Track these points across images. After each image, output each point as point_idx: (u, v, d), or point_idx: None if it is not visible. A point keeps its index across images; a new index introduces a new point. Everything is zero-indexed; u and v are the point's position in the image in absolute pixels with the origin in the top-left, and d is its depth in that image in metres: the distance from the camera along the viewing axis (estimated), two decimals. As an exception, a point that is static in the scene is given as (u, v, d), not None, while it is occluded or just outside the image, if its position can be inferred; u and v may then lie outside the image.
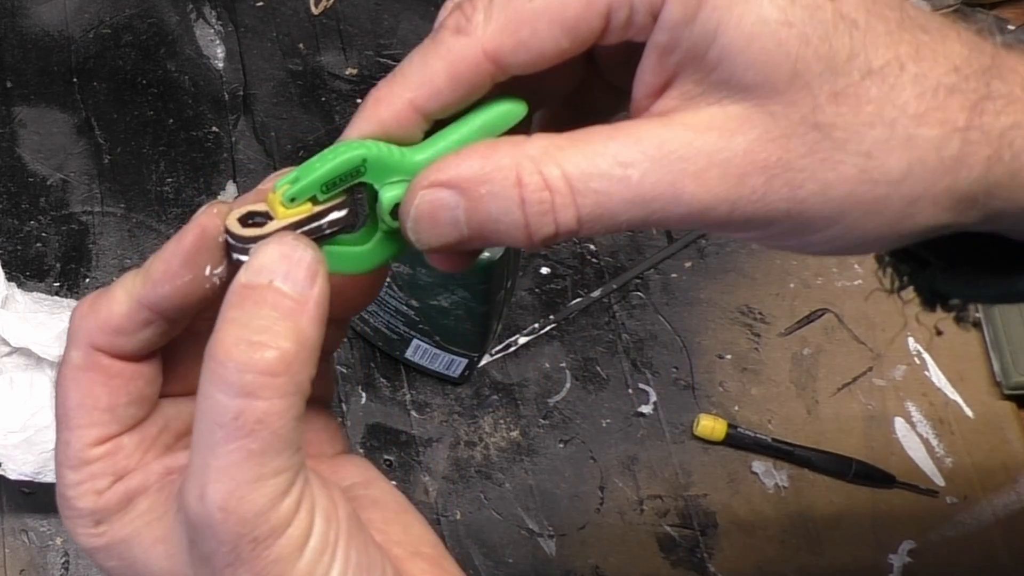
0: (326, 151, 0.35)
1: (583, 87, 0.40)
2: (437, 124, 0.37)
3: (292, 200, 0.34)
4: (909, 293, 0.43)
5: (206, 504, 0.32)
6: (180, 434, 0.39)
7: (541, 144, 0.34)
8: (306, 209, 0.35)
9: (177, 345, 0.38)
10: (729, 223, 0.33)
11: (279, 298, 0.33)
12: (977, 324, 0.40)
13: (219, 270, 0.35)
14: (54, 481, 0.72)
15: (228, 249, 0.35)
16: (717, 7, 0.32)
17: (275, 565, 0.33)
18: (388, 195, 0.35)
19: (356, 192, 0.36)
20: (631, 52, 0.35)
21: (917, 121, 0.33)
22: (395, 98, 0.35)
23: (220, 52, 0.94)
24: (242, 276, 0.33)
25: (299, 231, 0.35)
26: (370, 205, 0.37)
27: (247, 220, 0.35)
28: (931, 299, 0.42)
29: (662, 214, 0.33)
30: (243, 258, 0.34)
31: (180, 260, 0.35)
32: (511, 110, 0.36)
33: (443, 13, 0.36)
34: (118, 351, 0.36)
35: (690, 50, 0.33)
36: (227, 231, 0.35)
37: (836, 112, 0.32)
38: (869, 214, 0.33)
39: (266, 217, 0.35)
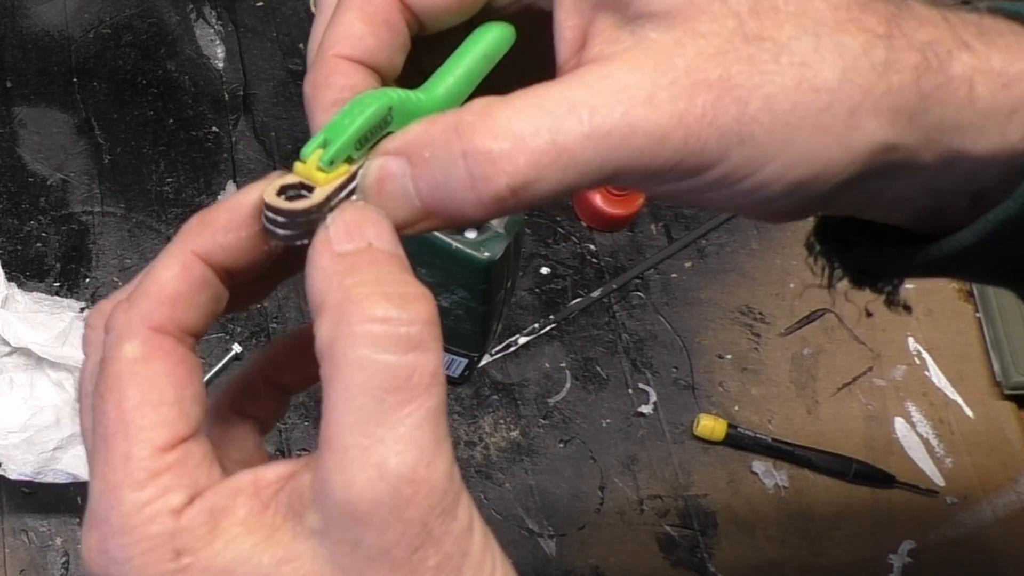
0: (346, 107, 0.34)
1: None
2: (431, 63, 0.37)
3: (331, 163, 0.33)
4: (844, 285, 0.43)
5: (391, 481, 0.29)
6: (235, 458, 0.36)
7: (482, 101, 0.33)
8: (345, 170, 0.33)
9: None
10: (686, 154, 0.32)
11: (388, 256, 0.31)
12: (908, 307, 0.40)
13: (279, 236, 0.33)
14: (54, 481, 0.73)
15: (265, 227, 0.33)
16: None
17: (460, 540, 0.30)
18: None
19: None
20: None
21: (838, 30, 0.33)
22: (327, 63, 0.35)
23: (220, 52, 0.94)
24: (332, 246, 0.31)
25: (343, 193, 0.33)
26: None
27: (281, 194, 0.33)
28: (859, 277, 0.42)
29: (621, 149, 0.32)
30: (282, 232, 0.32)
31: (248, 212, 0.33)
32: (501, 34, 0.37)
33: None
34: (179, 324, 0.33)
35: None
36: (271, 208, 0.32)
37: (760, 26, 0.33)
38: (816, 129, 0.33)
39: (302, 188, 0.33)
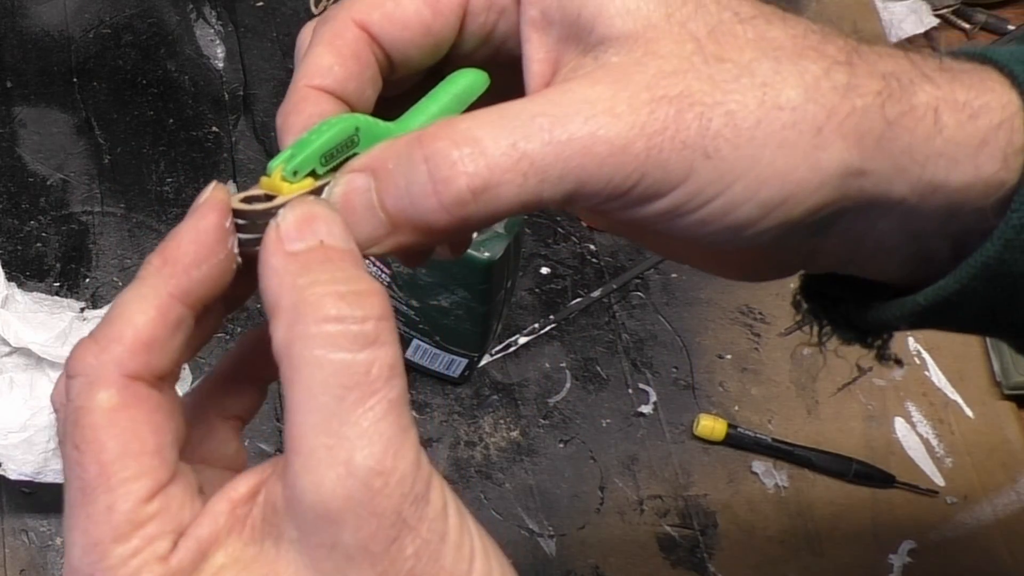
0: (314, 128, 0.35)
1: None
2: (408, 103, 0.38)
3: (295, 173, 0.33)
4: (833, 343, 0.43)
5: (361, 476, 0.29)
6: (198, 487, 0.34)
7: (445, 120, 0.34)
8: (308, 184, 0.34)
9: None
10: (650, 166, 0.32)
11: (340, 252, 0.31)
12: (899, 361, 0.41)
13: (236, 249, 0.33)
14: (54, 481, 0.73)
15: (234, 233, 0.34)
16: None
17: (435, 524, 0.30)
18: None
19: None
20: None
21: (799, 55, 0.33)
22: (299, 92, 0.36)
23: (220, 52, 0.94)
24: (282, 245, 0.31)
25: None
26: None
27: (250, 203, 0.34)
28: (847, 333, 0.42)
29: (583, 157, 0.32)
30: (243, 236, 0.33)
31: (214, 237, 0.32)
32: (475, 79, 0.38)
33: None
34: (155, 370, 0.32)
35: (564, 18, 0.34)
36: (236, 213, 0.33)
37: (720, 49, 0.33)
38: (783, 147, 0.33)
39: (267, 199, 0.33)
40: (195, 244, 0.32)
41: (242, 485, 0.32)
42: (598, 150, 0.32)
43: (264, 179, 0.34)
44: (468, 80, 0.38)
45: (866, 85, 0.33)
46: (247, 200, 0.33)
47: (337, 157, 0.34)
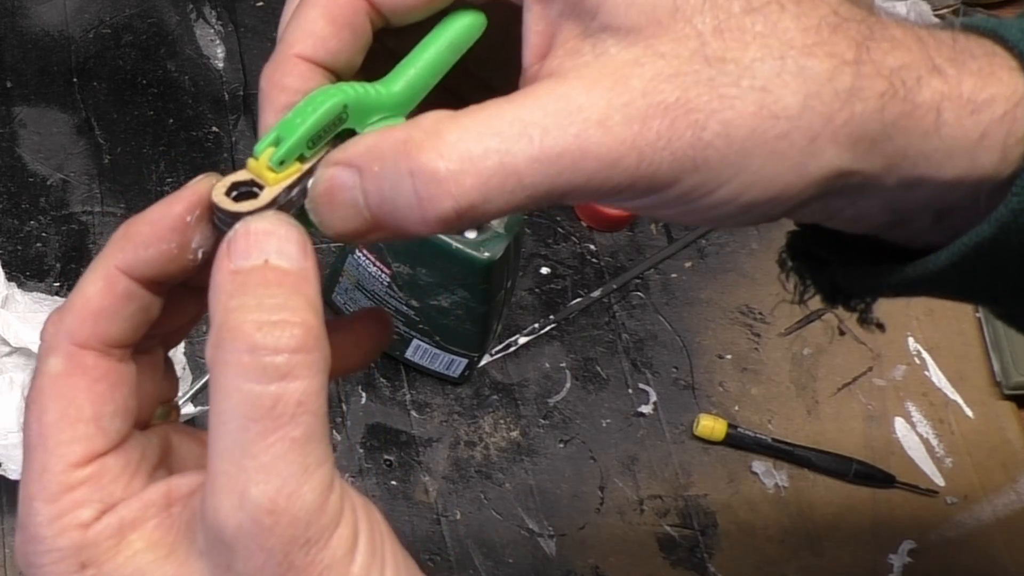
0: (300, 105, 0.33)
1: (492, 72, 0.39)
2: (401, 46, 0.36)
3: (281, 163, 0.33)
4: (815, 301, 0.42)
5: (249, 510, 0.29)
6: (156, 464, 0.35)
7: (434, 116, 0.32)
8: (296, 169, 0.33)
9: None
10: (638, 177, 0.32)
11: (282, 275, 0.31)
12: (881, 326, 0.40)
13: (206, 245, 0.33)
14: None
15: (216, 225, 0.33)
16: None
17: (329, 571, 0.30)
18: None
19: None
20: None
21: (805, 53, 0.32)
22: (286, 60, 0.34)
23: (220, 52, 0.94)
24: (230, 262, 0.31)
25: (293, 192, 0.33)
26: None
27: (232, 191, 0.33)
28: (832, 295, 0.41)
29: (572, 172, 0.31)
30: (227, 230, 0.32)
31: (169, 224, 0.33)
32: (472, 23, 0.36)
33: None
34: (103, 338, 0.33)
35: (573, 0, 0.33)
36: (215, 207, 0.32)
37: (724, 47, 0.32)
38: (773, 156, 0.32)
39: (253, 185, 0.33)
40: (150, 226, 0.33)
41: (186, 481, 0.33)
42: (588, 166, 0.31)
43: (251, 162, 0.33)
44: (463, 24, 0.36)
45: (870, 87, 0.33)
46: (237, 185, 0.33)
47: (325, 137, 0.33)
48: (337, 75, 0.36)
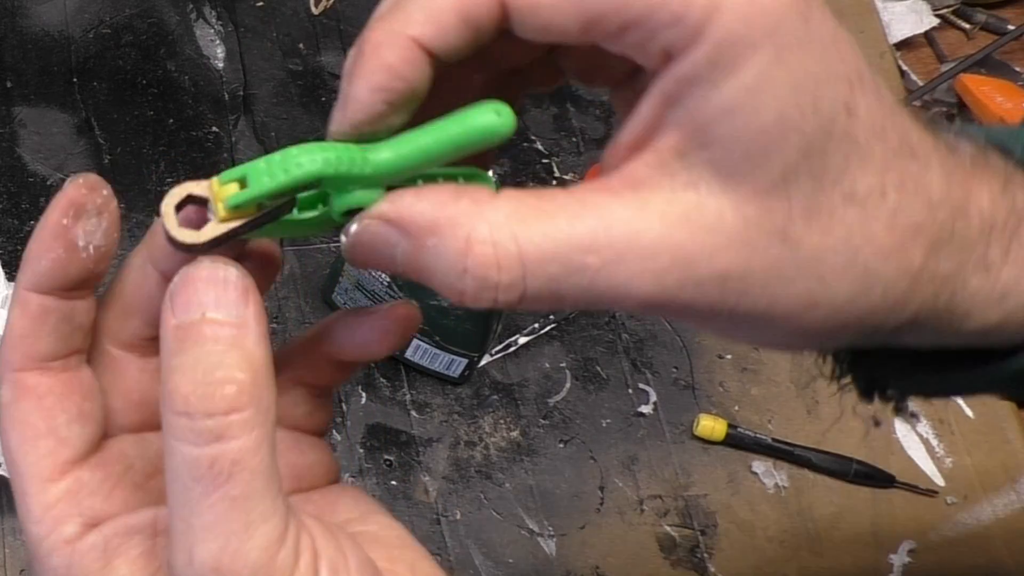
0: (278, 157, 0.31)
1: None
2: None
3: (236, 208, 0.31)
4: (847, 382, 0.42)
5: (196, 568, 0.30)
6: (149, 474, 0.36)
7: (505, 210, 0.31)
8: (249, 213, 0.32)
9: (109, 368, 0.36)
10: (666, 313, 0.32)
11: (217, 329, 0.30)
12: (915, 415, 0.41)
13: (94, 240, 0.33)
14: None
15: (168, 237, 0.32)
16: (744, 84, 0.29)
17: None
18: (341, 201, 0.32)
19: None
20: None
21: (879, 256, 0.32)
22: (398, 37, 0.31)
23: (220, 52, 0.94)
24: (172, 316, 0.31)
25: (237, 234, 0.32)
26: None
27: (183, 204, 0.32)
28: (868, 388, 0.41)
29: (608, 301, 0.31)
30: (168, 244, 0.32)
31: (50, 233, 0.33)
32: (494, 127, 0.31)
33: None
34: (33, 356, 0.34)
35: (697, 118, 0.30)
36: (164, 227, 0.32)
37: (806, 230, 0.31)
38: (796, 331, 0.33)
39: (203, 205, 0.32)
40: (36, 241, 0.33)
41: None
42: (626, 303, 0.31)
43: (214, 183, 0.32)
44: (486, 125, 0.31)
45: (918, 296, 0.33)
46: (187, 200, 0.32)
47: (289, 194, 0.32)
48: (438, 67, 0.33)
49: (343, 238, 0.32)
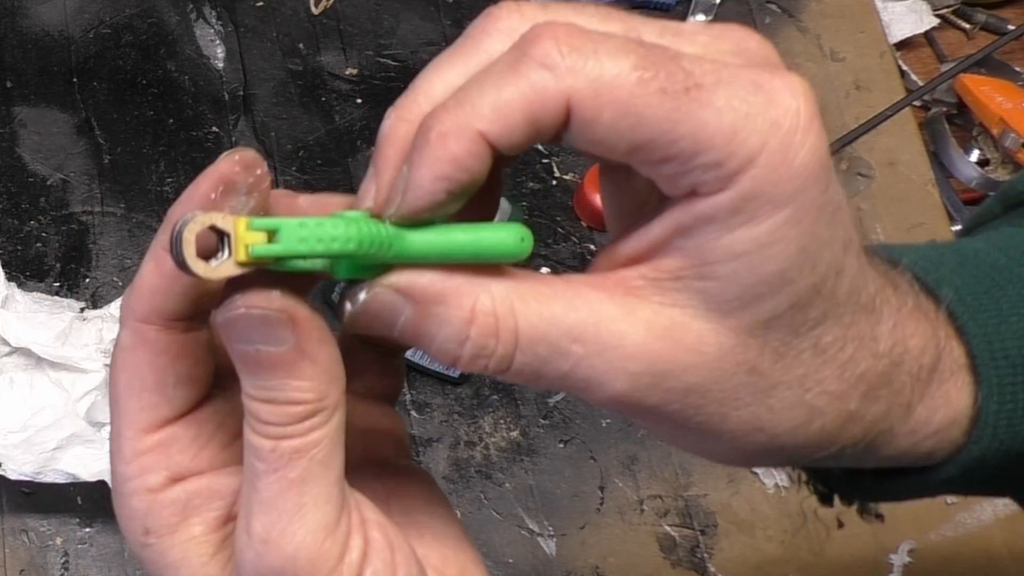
0: (312, 224, 0.31)
1: None
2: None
3: (258, 257, 0.31)
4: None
5: (251, 538, 0.32)
6: (235, 435, 0.36)
7: (507, 286, 0.32)
8: (267, 261, 0.32)
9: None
10: (628, 411, 0.34)
11: (274, 359, 0.32)
12: (880, 516, 0.44)
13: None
14: (54, 481, 0.73)
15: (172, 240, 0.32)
16: (757, 236, 0.31)
17: None
18: (351, 269, 0.33)
19: None
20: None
21: (823, 397, 0.34)
22: (465, 130, 0.31)
23: (220, 52, 0.94)
24: (230, 343, 0.32)
25: (241, 276, 0.32)
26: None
27: (210, 229, 0.32)
28: (827, 495, 0.45)
29: (580, 390, 0.33)
30: (176, 262, 0.32)
31: (196, 203, 0.32)
32: (514, 252, 0.33)
33: (526, 41, 0.31)
34: (160, 313, 0.34)
35: (704, 254, 0.32)
36: (181, 253, 0.31)
37: (772, 367, 0.33)
38: (737, 449, 0.35)
39: (224, 239, 0.31)
40: (180, 206, 0.33)
41: None
42: (597, 395, 0.33)
43: (241, 225, 0.31)
44: (507, 247, 0.33)
45: (848, 434, 0.36)
46: (215, 229, 0.32)
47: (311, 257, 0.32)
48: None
49: (347, 305, 0.33)
